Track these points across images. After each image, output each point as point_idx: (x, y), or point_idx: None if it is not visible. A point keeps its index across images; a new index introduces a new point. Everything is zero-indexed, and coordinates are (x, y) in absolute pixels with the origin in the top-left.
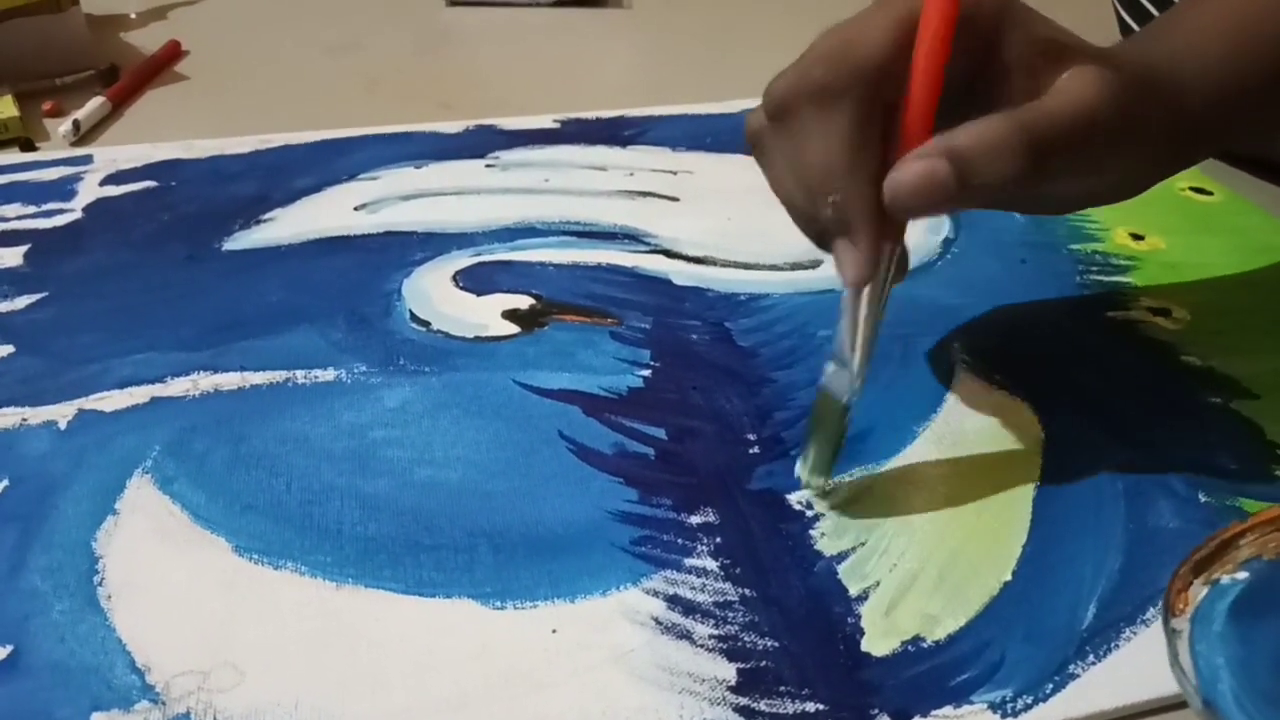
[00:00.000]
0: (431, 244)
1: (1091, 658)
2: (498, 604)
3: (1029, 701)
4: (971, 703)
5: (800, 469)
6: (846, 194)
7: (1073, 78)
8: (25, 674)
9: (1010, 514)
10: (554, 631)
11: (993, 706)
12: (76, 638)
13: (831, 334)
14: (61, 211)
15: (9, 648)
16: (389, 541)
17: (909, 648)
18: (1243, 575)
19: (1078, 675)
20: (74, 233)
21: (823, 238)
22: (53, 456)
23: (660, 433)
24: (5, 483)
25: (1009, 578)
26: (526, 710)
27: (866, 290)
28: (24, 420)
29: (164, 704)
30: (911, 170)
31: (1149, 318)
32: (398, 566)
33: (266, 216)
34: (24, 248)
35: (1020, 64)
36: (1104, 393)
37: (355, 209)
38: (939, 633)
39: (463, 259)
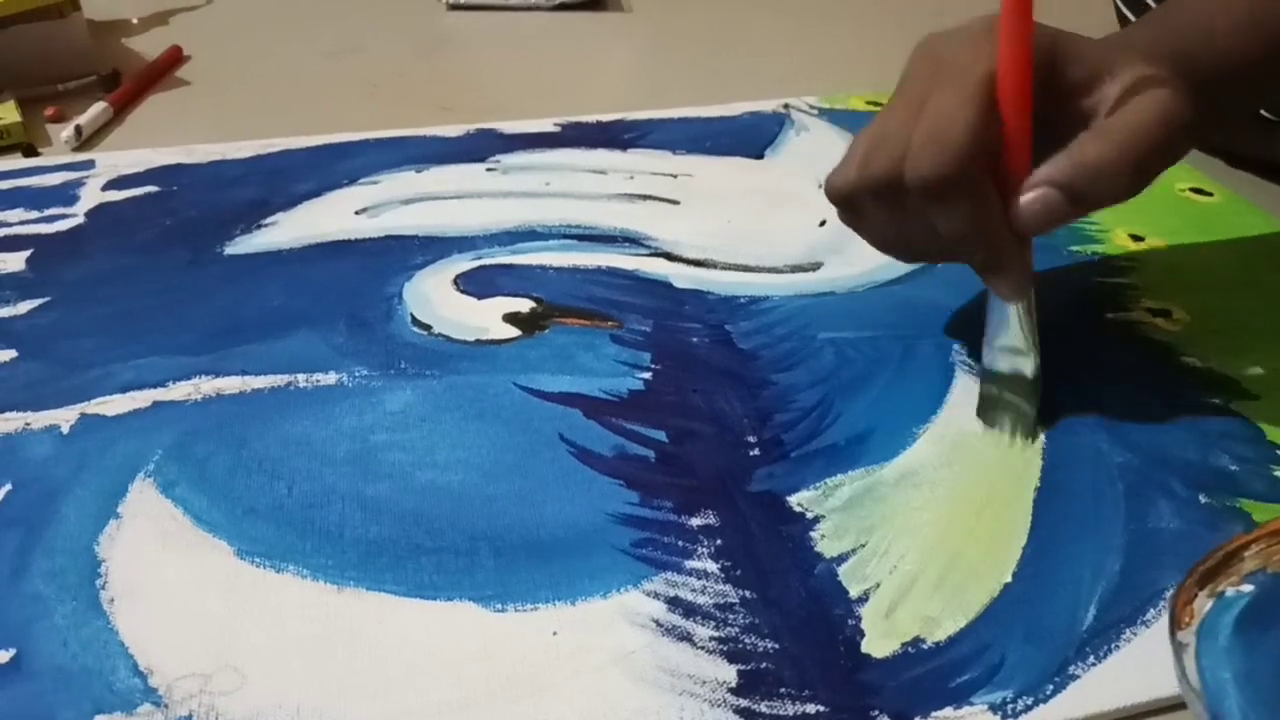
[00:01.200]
0: (432, 248)
1: (1092, 659)
2: (499, 606)
3: (1029, 703)
4: (972, 704)
5: (1008, 433)
6: (990, 248)
7: (1144, 88)
8: (28, 677)
9: (1010, 515)
10: (555, 634)
11: (993, 708)
12: (79, 641)
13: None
14: (64, 216)
15: (11, 651)
16: (390, 544)
17: (909, 649)
18: (1248, 588)
19: (1078, 676)
20: (76, 238)
21: (921, 260)
22: (55, 461)
23: (661, 435)
24: (8, 487)
25: (1009, 579)
26: (527, 712)
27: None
28: (26, 425)
29: (166, 707)
30: (1030, 203)
31: (1149, 319)
32: (399, 569)
33: (268, 221)
34: (26, 253)
35: (1079, 86)
36: (1104, 394)
37: (356, 213)
38: (939, 634)
39: (463, 262)
